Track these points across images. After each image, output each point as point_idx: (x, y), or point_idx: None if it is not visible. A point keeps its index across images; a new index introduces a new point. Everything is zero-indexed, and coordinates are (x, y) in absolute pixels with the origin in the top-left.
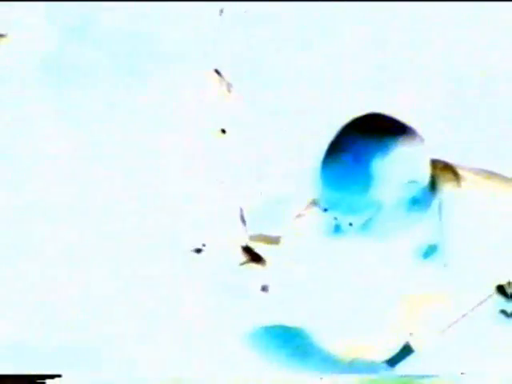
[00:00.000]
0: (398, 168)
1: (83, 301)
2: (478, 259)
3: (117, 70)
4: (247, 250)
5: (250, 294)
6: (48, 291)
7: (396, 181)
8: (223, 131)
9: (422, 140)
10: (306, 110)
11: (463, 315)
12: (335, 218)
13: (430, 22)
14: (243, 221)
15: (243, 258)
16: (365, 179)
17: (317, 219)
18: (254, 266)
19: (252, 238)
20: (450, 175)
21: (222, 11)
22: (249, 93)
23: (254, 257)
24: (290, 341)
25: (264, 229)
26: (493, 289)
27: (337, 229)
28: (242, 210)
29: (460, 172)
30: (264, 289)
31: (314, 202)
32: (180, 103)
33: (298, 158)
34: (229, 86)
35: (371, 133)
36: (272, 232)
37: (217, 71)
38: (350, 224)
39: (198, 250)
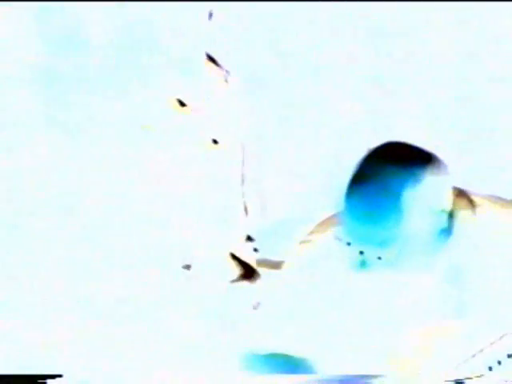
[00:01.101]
0: (428, 197)
1: (81, 305)
2: (493, 288)
3: (109, 77)
4: (237, 259)
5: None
6: (48, 292)
7: (427, 211)
8: (215, 142)
9: (446, 167)
10: (311, 132)
11: (480, 350)
12: (361, 253)
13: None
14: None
15: (234, 271)
16: (397, 210)
17: (328, 248)
18: (246, 283)
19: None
20: (464, 202)
21: (211, 15)
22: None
23: (247, 270)
24: (291, 371)
25: (265, 253)
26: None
27: (363, 263)
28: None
29: (475, 199)
30: (255, 307)
31: (328, 230)
32: (175, 110)
33: (300, 181)
34: (226, 76)
35: (398, 162)
36: (274, 256)
37: (213, 59)
38: (379, 258)
39: (188, 267)
